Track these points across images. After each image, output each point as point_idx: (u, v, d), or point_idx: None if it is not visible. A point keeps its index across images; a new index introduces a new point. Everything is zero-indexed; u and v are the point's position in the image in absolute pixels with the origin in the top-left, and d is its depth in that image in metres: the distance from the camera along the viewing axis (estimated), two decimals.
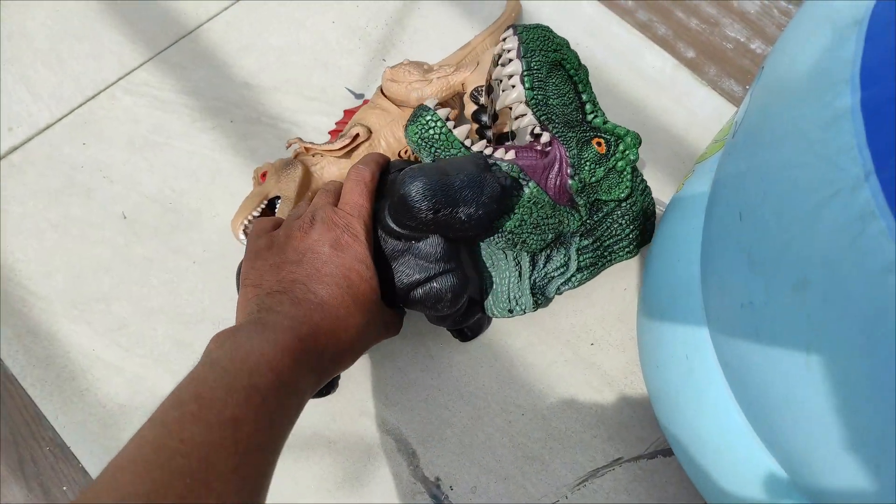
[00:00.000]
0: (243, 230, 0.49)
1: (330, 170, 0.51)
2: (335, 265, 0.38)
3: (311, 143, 0.51)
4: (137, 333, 0.51)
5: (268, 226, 0.42)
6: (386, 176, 0.44)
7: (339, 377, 0.45)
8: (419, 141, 0.45)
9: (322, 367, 0.36)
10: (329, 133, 0.56)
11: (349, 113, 0.56)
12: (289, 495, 0.47)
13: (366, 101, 0.56)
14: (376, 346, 0.47)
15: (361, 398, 0.49)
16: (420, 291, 0.41)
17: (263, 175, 0.50)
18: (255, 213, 0.48)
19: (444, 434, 0.49)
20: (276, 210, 0.49)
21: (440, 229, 0.39)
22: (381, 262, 0.40)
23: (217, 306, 0.52)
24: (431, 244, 0.40)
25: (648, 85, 0.60)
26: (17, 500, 0.47)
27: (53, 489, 0.47)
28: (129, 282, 0.53)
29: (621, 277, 0.53)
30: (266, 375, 0.32)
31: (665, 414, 0.42)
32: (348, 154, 0.51)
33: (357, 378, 0.50)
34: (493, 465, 0.48)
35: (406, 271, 0.40)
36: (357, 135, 0.50)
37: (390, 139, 0.51)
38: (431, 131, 0.45)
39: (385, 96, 0.53)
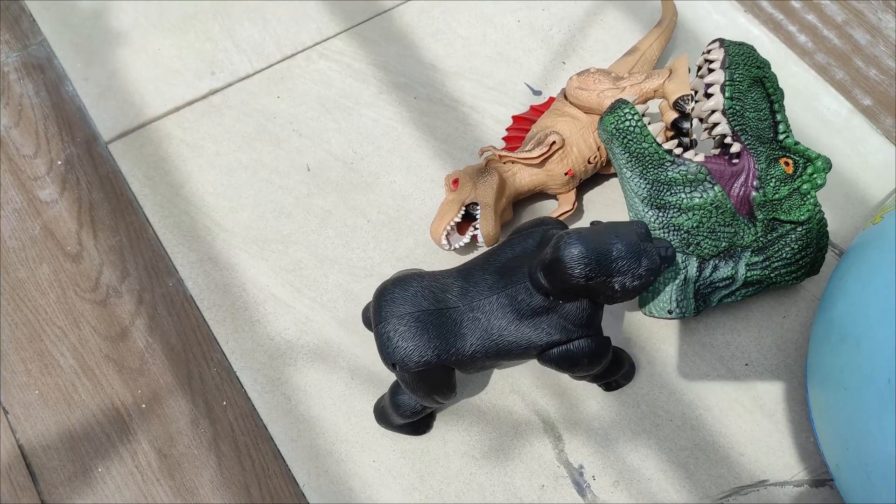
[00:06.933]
0: (445, 236, 0.51)
1: (522, 176, 0.53)
2: None
3: (505, 151, 0.52)
4: (310, 277, 0.54)
5: None
6: (539, 229, 0.44)
7: (433, 420, 0.49)
8: (614, 131, 0.47)
9: None
10: (507, 130, 0.58)
11: (534, 109, 0.58)
12: (437, 454, 0.48)
13: (551, 100, 0.58)
14: None
15: (514, 376, 0.51)
16: (556, 352, 0.41)
17: (455, 181, 0.51)
18: (457, 219, 0.50)
19: (592, 425, 0.49)
20: (478, 216, 0.51)
21: (590, 294, 0.40)
22: (522, 314, 0.41)
23: (385, 265, 0.54)
24: (577, 307, 0.40)
25: (822, 125, 0.61)
26: (181, 410, 0.50)
27: (216, 407, 0.50)
28: (307, 229, 0.56)
29: (781, 304, 0.53)
30: None
31: (838, 443, 0.42)
32: (542, 162, 0.52)
33: None
34: (638, 463, 0.48)
35: (547, 329, 0.41)
36: (553, 142, 0.52)
37: (582, 146, 0.53)
38: (628, 123, 0.47)
39: (571, 103, 0.55)
